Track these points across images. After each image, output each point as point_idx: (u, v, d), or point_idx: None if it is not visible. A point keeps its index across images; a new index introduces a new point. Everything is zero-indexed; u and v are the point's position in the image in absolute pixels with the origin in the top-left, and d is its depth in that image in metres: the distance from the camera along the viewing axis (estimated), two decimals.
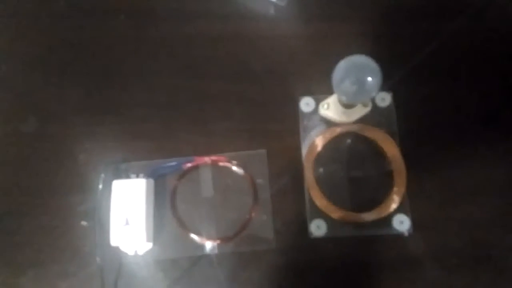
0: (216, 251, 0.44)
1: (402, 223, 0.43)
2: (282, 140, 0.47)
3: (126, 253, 0.44)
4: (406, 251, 0.44)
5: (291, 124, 0.48)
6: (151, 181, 0.45)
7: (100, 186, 0.45)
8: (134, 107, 0.49)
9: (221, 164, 0.47)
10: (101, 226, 0.44)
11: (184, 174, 0.47)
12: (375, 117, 0.46)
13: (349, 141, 0.47)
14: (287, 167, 0.46)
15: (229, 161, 0.47)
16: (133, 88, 0.50)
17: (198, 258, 0.45)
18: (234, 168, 0.46)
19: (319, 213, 0.44)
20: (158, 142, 0.48)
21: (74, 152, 0.48)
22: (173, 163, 0.47)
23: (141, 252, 0.44)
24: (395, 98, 0.47)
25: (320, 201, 0.44)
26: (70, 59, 0.52)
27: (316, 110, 0.47)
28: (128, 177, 0.45)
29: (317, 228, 0.44)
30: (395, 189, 0.44)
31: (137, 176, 0.45)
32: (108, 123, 0.49)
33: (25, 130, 0.50)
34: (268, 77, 0.50)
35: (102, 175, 0.45)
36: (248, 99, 0.49)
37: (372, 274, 0.44)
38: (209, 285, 0.44)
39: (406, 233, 0.43)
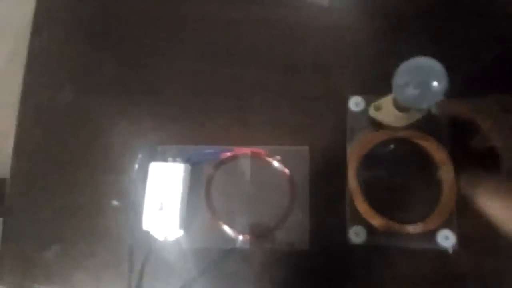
0: (247, 246, 0.43)
1: (447, 239, 0.41)
2: (326, 138, 0.45)
3: (156, 238, 0.42)
4: (448, 268, 0.42)
5: (337, 123, 0.45)
6: (188, 166, 0.44)
7: (136, 167, 0.43)
8: (174, 90, 0.48)
9: (260, 157, 0.45)
10: (134, 208, 0.43)
11: (221, 163, 0.45)
12: (425, 123, 0.43)
13: (397, 146, 0.45)
14: (330, 167, 0.44)
15: (269, 155, 0.45)
16: (175, 71, 0.48)
17: (228, 251, 0.43)
18: (274, 163, 0.45)
19: (360, 220, 0.42)
20: (196, 128, 0.47)
21: (109, 129, 0.47)
22: (211, 151, 0.45)
23: (171, 238, 0.42)
24: None
25: (362, 207, 0.42)
26: (114, 33, 0.50)
27: (365, 110, 0.45)
28: (165, 160, 0.44)
29: (356, 235, 0.42)
30: (443, 201, 0.42)
31: (174, 161, 0.43)
32: (146, 103, 0.47)
33: (60, 99, 0.48)
34: (317, 70, 0.47)
35: (140, 156, 0.44)
36: (293, 91, 0.47)
37: None
38: (237, 280, 0.43)
39: (450, 250, 0.41)
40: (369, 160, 0.44)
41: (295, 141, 0.45)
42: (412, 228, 0.41)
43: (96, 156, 0.46)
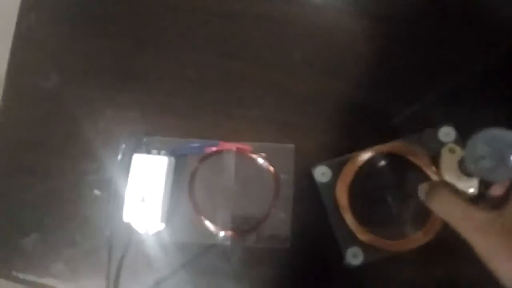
0: (228, 242, 0.43)
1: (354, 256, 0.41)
2: (314, 138, 0.45)
3: (136, 231, 0.42)
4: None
5: (325, 123, 0.45)
6: (172, 160, 0.43)
7: (119, 157, 0.43)
8: (163, 80, 0.47)
9: (246, 153, 0.45)
10: (115, 199, 0.42)
11: (206, 157, 0.45)
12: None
13: (391, 162, 0.44)
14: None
15: (254, 152, 0.44)
16: (165, 61, 0.48)
17: (209, 246, 0.43)
18: (259, 160, 0.44)
19: (354, 240, 0.42)
20: (182, 120, 0.46)
21: (94, 117, 0.46)
22: (197, 145, 0.45)
23: (152, 231, 0.42)
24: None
25: (353, 224, 0.42)
26: (103, 20, 0.49)
27: (331, 182, 0.44)
28: (149, 152, 0.43)
29: (354, 256, 0.41)
30: (432, 218, 0.42)
31: (159, 153, 0.43)
32: (134, 92, 0.47)
33: (46, 86, 0.47)
34: (309, 70, 0.47)
35: (123, 146, 0.43)
36: (283, 89, 0.47)
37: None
38: (216, 276, 0.43)
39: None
40: (360, 177, 0.44)
41: (281, 139, 0.45)
42: (404, 244, 0.42)
43: (80, 144, 0.46)
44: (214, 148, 0.44)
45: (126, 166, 0.42)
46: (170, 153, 0.43)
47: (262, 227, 0.43)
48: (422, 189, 0.38)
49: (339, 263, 0.42)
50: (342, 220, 0.42)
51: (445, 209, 0.35)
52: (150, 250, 0.43)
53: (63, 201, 0.44)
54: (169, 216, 0.43)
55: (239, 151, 0.45)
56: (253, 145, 0.45)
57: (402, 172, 0.44)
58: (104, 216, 0.43)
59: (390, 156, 0.44)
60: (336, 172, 0.43)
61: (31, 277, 0.43)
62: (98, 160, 0.45)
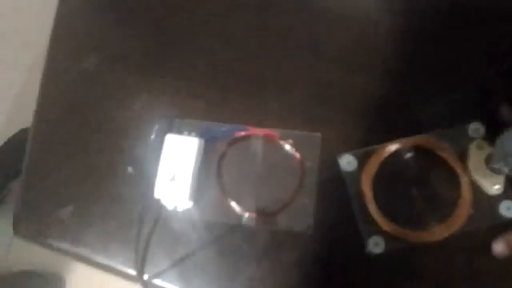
0: (252, 224, 0.44)
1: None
2: (340, 129, 0.46)
3: (165, 207, 0.44)
4: None
5: (354, 115, 0.46)
6: (202, 141, 0.45)
7: (153, 137, 0.45)
8: (196, 65, 0.49)
9: (273, 139, 0.46)
10: (147, 176, 0.44)
11: (234, 141, 0.46)
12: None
13: (417, 156, 0.45)
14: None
15: (282, 138, 0.46)
16: (200, 49, 0.49)
17: (234, 227, 0.44)
18: (286, 146, 0.46)
19: (376, 228, 0.42)
20: (213, 104, 0.48)
21: (129, 98, 0.49)
22: (226, 129, 0.46)
23: (180, 208, 0.44)
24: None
25: (377, 216, 0.43)
26: (143, 7, 0.51)
27: (357, 171, 0.45)
28: (180, 133, 0.45)
29: (376, 245, 0.42)
30: (459, 209, 0.42)
31: (189, 135, 0.45)
32: (167, 77, 0.49)
33: (85, 67, 0.50)
34: (340, 61, 0.48)
35: (156, 126, 0.45)
36: (314, 78, 0.48)
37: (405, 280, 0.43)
38: (238, 255, 0.44)
39: None
40: (385, 168, 0.44)
41: (308, 128, 0.46)
42: (427, 236, 0.42)
43: (116, 123, 0.48)
44: (242, 133, 0.46)
45: (158, 146, 0.44)
46: (201, 135, 0.45)
47: (286, 212, 0.44)
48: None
49: (360, 252, 0.43)
50: (365, 209, 0.43)
51: None
52: (178, 227, 0.45)
53: (98, 176, 0.47)
54: (198, 195, 0.44)
55: (266, 137, 0.46)
56: (281, 132, 0.46)
57: (428, 166, 0.44)
58: (136, 192, 0.45)
59: (416, 150, 0.45)
60: (362, 162, 0.44)
61: (65, 246, 0.46)
62: (132, 139, 0.47)
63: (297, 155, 0.45)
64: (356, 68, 0.48)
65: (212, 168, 0.46)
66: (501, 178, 0.41)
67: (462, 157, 0.43)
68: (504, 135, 0.34)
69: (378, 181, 0.44)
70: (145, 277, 0.44)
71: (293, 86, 0.48)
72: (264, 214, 0.44)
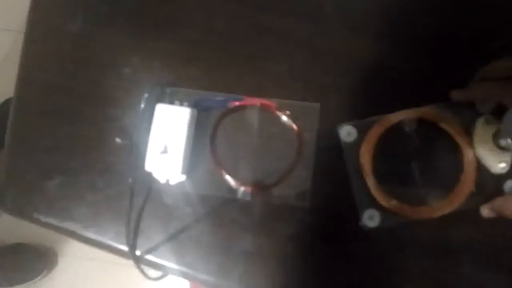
0: (248, 197, 0.43)
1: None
2: (340, 98, 0.44)
3: (157, 180, 0.42)
4: None
5: (354, 84, 0.44)
6: (195, 112, 0.43)
7: (142, 106, 0.42)
8: (189, 29, 0.46)
9: (270, 110, 0.44)
10: (137, 147, 0.42)
11: (229, 112, 0.44)
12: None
13: (420, 128, 0.43)
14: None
15: (279, 109, 0.43)
16: (194, 10, 0.46)
17: (229, 200, 0.43)
18: (283, 117, 0.43)
19: (372, 202, 0.41)
20: (207, 72, 0.45)
21: (119, 63, 0.46)
22: (221, 98, 0.44)
23: (173, 182, 0.42)
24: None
25: (375, 190, 0.41)
26: None
27: (357, 141, 0.43)
28: (172, 103, 0.42)
29: (370, 218, 0.41)
30: (461, 184, 0.41)
31: (181, 104, 0.42)
32: (160, 41, 0.46)
33: (71, 28, 0.47)
34: (340, 26, 0.45)
35: (146, 95, 0.43)
36: (312, 45, 0.45)
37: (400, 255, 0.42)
38: (234, 229, 0.43)
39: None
40: (386, 140, 0.42)
41: (307, 97, 0.44)
42: (426, 212, 0.41)
43: (104, 90, 0.45)
44: (238, 103, 0.44)
45: (148, 116, 0.42)
46: (193, 105, 0.43)
47: (283, 184, 0.43)
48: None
49: (356, 225, 0.41)
50: (363, 182, 0.42)
51: None
52: (171, 201, 0.43)
53: (86, 146, 0.44)
54: (191, 168, 0.42)
55: (263, 107, 0.44)
56: (278, 102, 0.44)
57: (431, 140, 0.43)
58: (126, 164, 0.43)
59: (419, 122, 0.43)
60: (362, 133, 0.42)
61: (53, 220, 0.44)
62: (121, 108, 0.44)
63: (295, 126, 0.43)
64: (358, 35, 0.45)
65: (205, 139, 0.43)
66: (508, 156, 0.40)
67: (468, 132, 0.41)
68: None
69: (378, 153, 0.42)
70: (138, 252, 0.42)
71: (292, 54, 0.45)
72: (260, 187, 0.43)
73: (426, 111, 0.42)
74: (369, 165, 0.42)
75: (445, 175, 0.42)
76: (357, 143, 0.42)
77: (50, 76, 0.46)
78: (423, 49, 0.45)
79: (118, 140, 0.44)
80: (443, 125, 0.42)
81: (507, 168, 0.40)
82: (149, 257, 0.43)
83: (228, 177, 0.43)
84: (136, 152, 0.42)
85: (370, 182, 0.41)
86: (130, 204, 0.41)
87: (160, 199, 0.43)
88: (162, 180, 0.42)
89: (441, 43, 0.45)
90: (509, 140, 0.34)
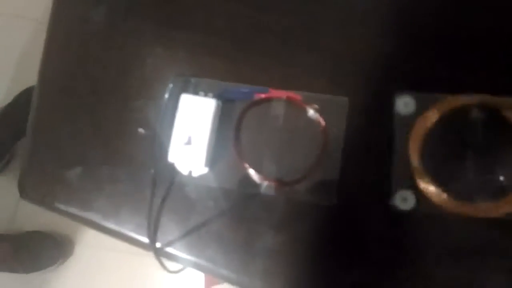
0: (272, 193, 0.41)
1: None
2: (372, 91, 0.42)
3: (180, 172, 0.41)
4: None
5: (383, 78, 0.42)
6: (220, 103, 0.42)
7: (166, 96, 0.41)
8: (215, 19, 0.45)
9: (296, 103, 0.42)
10: (159, 138, 0.41)
11: (254, 104, 0.43)
12: None
13: (479, 116, 0.39)
14: (370, 125, 0.42)
15: (306, 102, 0.42)
16: (221, 4, 0.45)
17: (251, 195, 0.42)
18: (310, 111, 0.42)
19: (408, 184, 0.38)
20: (232, 63, 0.44)
21: (142, 53, 0.45)
22: (246, 90, 0.43)
23: (195, 174, 0.41)
24: None
25: (418, 171, 0.38)
26: None
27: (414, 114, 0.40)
28: (196, 94, 0.41)
29: (403, 200, 0.38)
30: None
31: (206, 95, 0.41)
32: (185, 31, 0.45)
33: (94, 18, 0.46)
34: (377, 20, 0.43)
35: (170, 85, 0.42)
36: (345, 37, 0.43)
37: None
38: (256, 225, 0.42)
39: None
40: (446, 122, 0.39)
41: (334, 90, 0.42)
42: (483, 210, 0.37)
43: (127, 80, 0.44)
44: (263, 95, 0.42)
45: (172, 106, 0.41)
46: (218, 96, 0.42)
47: (308, 180, 0.41)
48: None
49: (382, 225, 0.40)
50: (407, 160, 0.38)
51: None
52: (193, 194, 0.42)
53: (108, 136, 0.44)
54: (214, 160, 0.42)
55: (289, 100, 0.42)
56: (305, 95, 0.42)
57: (498, 133, 0.39)
58: (148, 154, 0.42)
59: (489, 111, 0.39)
60: (420, 108, 0.39)
61: (73, 210, 0.44)
62: (144, 98, 0.44)
63: (322, 120, 0.42)
64: (388, 29, 0.43)
65: (229, 132, 0.42)
66: None
67: None
68: None
69: (432, 135, 0.39)
70: (158, 245, 0.42)
71: (321, 45, 0.43)
72: (284, 183, 0.41)
73: (501, 101, 0.38)
74: (419, 143, 0.38)
75: (503, 173, 0.38)
76: (412, 117, 0.39)
77: (73, 66, 0.46)
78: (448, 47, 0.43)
79: (141, 130, 0.43)
80: (505, 112, 0.38)
81: None
82: (169, 249, 0.42)
83: (251, 171, 0.42)
84: (159, 143, 0.41)
85: (415, 159, 0.38)
86: (151, 196, 0.40)
87: (182, 192, 0.42)
88: (184, 172, 0.41)
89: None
90: None
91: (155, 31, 0.45)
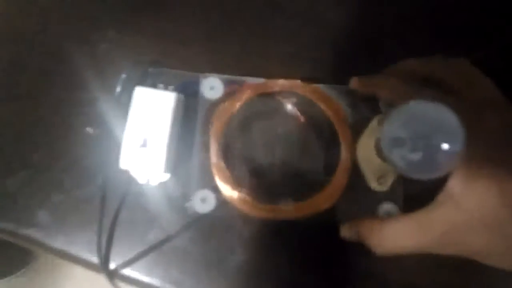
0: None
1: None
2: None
3: (136, 180, 0.35)
4: None
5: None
6: (182, 97, 0.35)
7: (118, 89, 0.35)
8: (181, 2, 0.38)
9: (273, 95, 0.36)
10: (111, 139, 0.34)
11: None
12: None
13: (301, 108, 0.35)
14: None
15: (284, 95, 0.36)
16: None
17: (222, 204, 0.35)
18: (288, 105, 0.36)
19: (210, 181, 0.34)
20: (200, 51, 0.38)
21: (94, 38, 0.38)
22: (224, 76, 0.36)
23: (154, 182, 0.35)
24: None
25: (218, 168, 0.34)
26: None
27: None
28: (154, 86, 0.35)
29: (202, 201, 0.34)
30: (334, 183, 0.33)
31: (166, 88, 0.35)
32: (144, 12, 0.38)
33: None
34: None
35: (123, 76, 0.35)
36: (322, 20, 0.38)
37: None
38: (228, 239, 0.35)
39: None
40: (244, 119, 0.35)
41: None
42: (285, 212, 0.33)
43: (73, 70, 0.38)
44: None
45: (126, 101, 0.34)
46: (181, 89, 0.35)
47: (287, 188, 0.35)
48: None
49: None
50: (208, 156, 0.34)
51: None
52: (152, 204, 0.36)
53: (52, 136, 0.37)
54: (176, 165, 0.35)
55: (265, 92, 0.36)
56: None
57: (314, 128, 0.35)
58: (98, 159, 0.35)
59: (307, 102, 0.35)
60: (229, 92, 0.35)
61: (10, 226, 0.36)
62: (93, 91, 0.37)
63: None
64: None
65: (195, 131, 0.36)
66: (388, 172, 0.32)
67: (359, 132, 0.33)
68: (395, 111, 0.24)
69: (235, 125, 0.35)
70: (112, 265, 0.35)
71: (299, 30, 0.37)
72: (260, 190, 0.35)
73: (315, 89, 0.35)
74: (219, 135, 0.34)
75: (314, 174, 0.34)
76: (219, 103, 0.35)
77: (11, 55, 0.39)
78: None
79: (89, 129, 0.36)
80: (331, 115, 0.34)
81: (386, 188, 0.33)
82: (126, 271, 0.35)
83: (229, 175, 0.35)
84: (110, 146, 0.34)
85: (213, 156, 0.34)
86: (101, 209, 0.34)
87: (139, 203, 0.35)
88: (141, 180, 0.34)
89: None
90: (386, 152, 0.25)
91: (108, 11, 0.38)
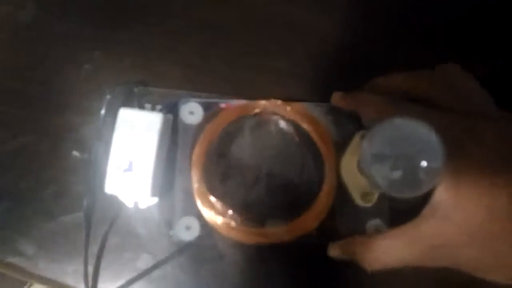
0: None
1: None
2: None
3: (123, 205, 0.33)
4: None
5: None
6: (170, 117, 0.34)
7: (103, 112, 0.34)
8: (166, 18, 0.38)
9: (266, 114, 0.35)
10: (97, 163, 0.33)
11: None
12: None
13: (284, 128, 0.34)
14: None
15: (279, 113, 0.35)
16: None
17: (209, 230, 0.34)
18: (281, 122, 0.35)
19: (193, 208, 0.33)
20: (188, 70, 0.37)
21: (78, 59, 0.37)
22: (204, 100, 0.35)
23: (142, 206, 0.33)
24: None
25: (200, 192, 0.33)
26: None
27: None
28: (141, 107, 0.34)
29: (187, 229, 0.33)
30: (319, 202, 0.32)
31: (153, 108, 0.34)
32: (131, 31, 0.37)
33: (21, 17, 0.38)
34: (351, 11, 0.36)
35: (108, 97, 0.34)
36: (318, 34, 0.36)
37: None
38: (221, 265, 0.34)
39: None
40: (226, 142, 0.34)
41: (313, 98, 0.35)
42: (273, 236, 0.32)
43: (57, 91, 0.37)
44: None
45: (112, 123, 0.33)
46: (169, 109, 0.34)
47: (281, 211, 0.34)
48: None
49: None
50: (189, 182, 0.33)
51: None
52: (141, 229, 0.34)
53: (37, 162, 0.36)
54: (166, 187, 0.34)
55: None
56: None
57: (299, 147, 0.34)
58: (86, 184, 0.34)
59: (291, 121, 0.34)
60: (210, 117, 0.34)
61: None
62: (81, 114, 0.36)
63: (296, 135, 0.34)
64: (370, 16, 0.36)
65: (185, 152, 0.35)
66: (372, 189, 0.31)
67: (342, 149, 0.32)
68: (375, 128, 0.24)
69: (218, 148, 0.34)
70: None
71: (293, 45, 0.36)
72: (254, 214, 0.34)
73: (297, 109, 0.34)
74: (202, 158, 0.33)
75: (300, 193, 0.33)
76: (199, 128, 0.34)
77: None
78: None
79: (75, 153, 0.35)
80: (313, 135, 0.33)
81: (371, 204, 0.31)
82: None
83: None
84: (95, 169, 0.33)
85: (195, 180, 0.33)
86: (86, 236, 0.32)
87: (128, 227, 0.34)
88: (129, 204, 0.33)
89: None
90: (367, 170, 0.24)
91: (94, 32, 0.37)
